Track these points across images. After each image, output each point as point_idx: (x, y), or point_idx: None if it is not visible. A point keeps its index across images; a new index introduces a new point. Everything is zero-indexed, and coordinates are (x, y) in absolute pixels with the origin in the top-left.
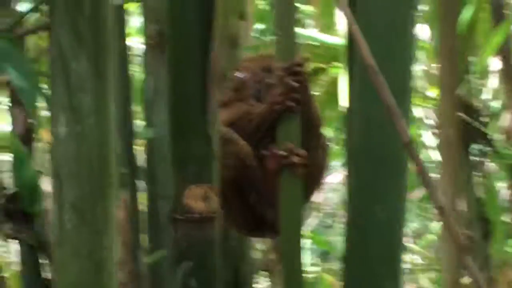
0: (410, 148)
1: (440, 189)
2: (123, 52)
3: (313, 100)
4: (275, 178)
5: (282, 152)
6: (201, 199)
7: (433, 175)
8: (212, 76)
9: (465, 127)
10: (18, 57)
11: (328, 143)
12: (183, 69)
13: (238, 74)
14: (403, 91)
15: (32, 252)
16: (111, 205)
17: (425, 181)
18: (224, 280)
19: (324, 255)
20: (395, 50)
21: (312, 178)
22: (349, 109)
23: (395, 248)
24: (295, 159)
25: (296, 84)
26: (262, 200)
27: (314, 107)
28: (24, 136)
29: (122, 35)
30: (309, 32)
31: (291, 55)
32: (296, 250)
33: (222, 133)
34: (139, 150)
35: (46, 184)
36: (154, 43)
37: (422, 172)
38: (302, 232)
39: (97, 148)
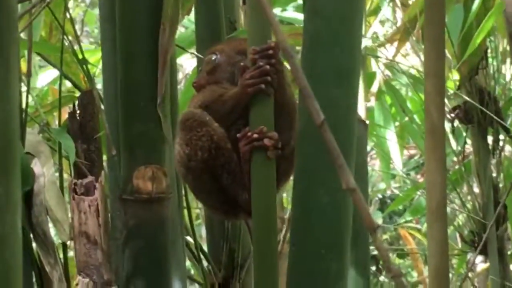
0: (323, 129)
1: (428, 176)
2: None
3: (288, 83)
4: (247, 160)
5: (254, 134)
6: (149, 179)
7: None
8: (160, 63)
9: (482, 112)
10: None
11: None
12: (132, 54)
13: (213, 57)
14: (349, 72)
15: (22, 233)
16: (14, 185)
17: (337, 162)
18: (221, 262)
19: None
20: (341, 33)
21: (286, 161)
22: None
23: (341, 231)
24: (267, 141)
25: (268, 67)
26: (235, 182)
27: (288, 90)
28: None
29: None
30: (288, 13)
31: (264, 38)
32: (268, 232)
33: (196, 115)
34: None
35: (35, 166)
36: None
37: (333, 153)
38: (274, 214)
39: (0, 132)
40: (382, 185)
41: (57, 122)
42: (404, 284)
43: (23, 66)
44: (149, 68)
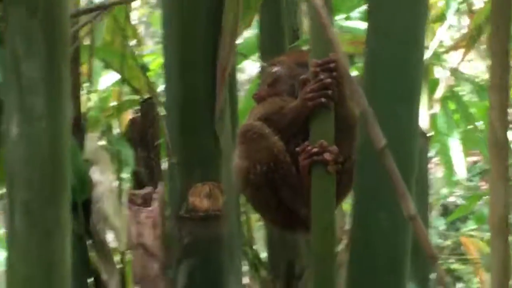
0: (384, 155)
1: (491, 192)
2: None
3: (348, 97)
4: (307, 174)
5: (314, 149)
6: (205, 197)
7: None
8: (218, 78)
9: None
10: None
11: None
12: (190, 66)
13: (273, 69)
14: (411, 92)
15: (80, 241)
16: (63, 208)
17: (398, 189)
18: (279, 273)
19: None
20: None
21: (346, 175)
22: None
23: (400, 257)
24: (327, 155)
25: (329, 81)
26: (294, 196)
27: (349, 104)
28: (74, 125)
29: None
30: (351, 23)
31: (326, 51)
32: (327, 248)
33: (256, 128)
34: None
35: (94, 173)
36: None
37: (394, 179)
38: (333, 230)
39: (49, 151)
40: (445, 191)
41: (118, 127)
42: None
43: (85, 69)
44: (207, 81)
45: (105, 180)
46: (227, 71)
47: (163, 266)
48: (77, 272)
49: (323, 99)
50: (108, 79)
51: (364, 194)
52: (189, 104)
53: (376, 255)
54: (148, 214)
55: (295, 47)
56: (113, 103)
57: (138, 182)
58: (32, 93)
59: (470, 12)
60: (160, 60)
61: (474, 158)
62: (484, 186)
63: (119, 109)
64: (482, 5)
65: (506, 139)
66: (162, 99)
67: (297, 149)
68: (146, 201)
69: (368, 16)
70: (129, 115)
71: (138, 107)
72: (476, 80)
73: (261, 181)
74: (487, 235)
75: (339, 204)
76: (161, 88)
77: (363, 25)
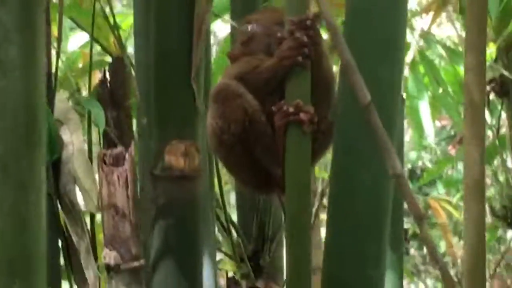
0: (369, 110)
1: (466, 153)
2: None
3: (326, 56)
4: (282, 134)
5: (290, 108)
6: (182, 155)
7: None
8: (195, 31)
9: None
10: None
11: None
12: (166, 22)
13: (248, 27)
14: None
15: (50, 202)
16: (38, 161)
17: (383, 146)
18: (251, 235)
19: None
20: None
21: (322, 136)
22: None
23: (381, 216)
24: (303, 115)
25: (306, 39)
26: (268, 157)
27: (326, 63)
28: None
29: None
30: None
31: (303, 9)
32: (302, 209)
33: (230, 87)
34: None
35: (64, 133)
36: None
37: (380, 136)
38: (308, 190)
39: (23, 103)
40: (413, 155)
41: (87, 87)
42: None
43: (54, 30)
44: (183, 37)
45: (75, 141)
46: (204, 25)
47: (135, 227)
48: (47, 234)
49: (299, 58)
50: (77, 39)
51: (344, 151)
52: (164, 61)
53: (357, 213)
54: (120, 174)
55: (269, 5)
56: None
57: (108, 142)
58: (5, 42)
59: None
60: (130, 21)
61: (443, 122)
62: (452, 150)
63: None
64: None
65: (483, 100)
66: (132, 59)
67: (273, 108)
68: (118, 161)
69: None
70: (98, 75)
71: (107, 67)
72: (447, 44)
73: (235, 141)
74: (456, 199)
75: (314, 164)
76: (131, 48)
77: None
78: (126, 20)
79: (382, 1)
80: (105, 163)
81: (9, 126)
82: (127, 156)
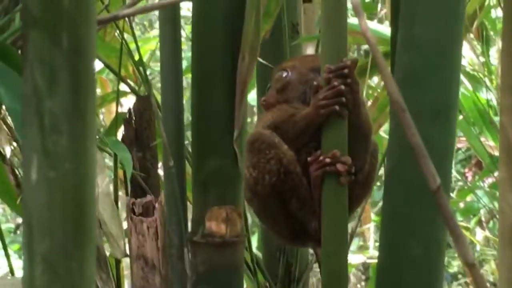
0: (438, 195)
1: (502, 199)
2: None
3: (363, 104)
4: (318, 185)
5: (326, 159)
6: (223, 221)
7: None
8: (238, 93)
9: None
10: (9, 73)
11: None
12: (208, 82)
13: (284, 74)
14: (447, 110)
15: None
16: (89, 260)
17: (453, 234)
18: (277, 276)
19: None
20: (439, 66)
21: (359, 187)
22: (390, 128)
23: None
24: (340, 166)
25: (343, 87)
26: (304, 208)
27: (364, 112)
28: None
29: None
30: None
31: (340, 56)
32: (339, 264)
33: (264, 136)
34: None
35: None
36: None
37: (449, 224)
38: (346, 244)
39: (73, 197)
40: None
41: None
42: None
43: None
44: (225, 98)
45: (101, 183)
46: (247, 86)
47: (165, 279)
48: None
49: (336, 107)
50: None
51: (393, 219)
52: (205, 122)
53: (407, 284)
54: (149, 225)
55: (296, 45)
56: (98, 90)
57: (134, 185)
58: (55, 132)
59: None
60: (151, 46)
61: (458, 145)
62: (468, 173)
63: (105, 99)
64: None
65: None
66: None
67: (309, 159)
68: (147, 210)
69: (398, 28)
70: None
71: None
72: (466, 69)
73: (269, 192)
74: (473, 223)
75: (350, 217)
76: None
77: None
78: (147, 44)
79: (435, 62)
80: (134, 212)
81: (57, 223)
82: (156, 205)
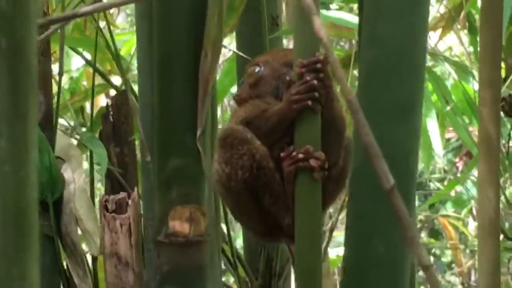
0: (392, 195)
1: (481, 191)
2: None
3: (336, 99)
4: (291, 181)
5: (299, 154)
6: (186, 221)
7: None
8: (200, 90)
9: None
10: None
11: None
12: (170, 79)
13: (256, 69)
14: (410, 106)
15: (51, 243)
16: (32, 264)
17: (408, 236)
18: (258, 270)
19: None
20: (402, 63)
21: (332, 182)
22: (353, 127)
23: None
24: (313, 162)
25: (316, 82)
26: (277, 204)
27: (337, 107)
28: (44, 120)
29: None
30: (332, 13)
31: (312, 50)
32: (313, 260)
33: (237, 132)
34: None
35: (66, 171)
36: None
37: (404, 225)
38: (319, 240)
39: (14, 201)
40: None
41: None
42: None
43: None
44: (188, 95)
45: (77, 179)
46: (209, 84)
47: (138, 276)
48: (48, 276)
49: (309, 102)
50: (80, 60)
51: (358, 219)
52: (168, 120)
53: (372, 283)
54: (123, 222)
55: (276, 38)
56: (84, 83)
57: (111, 180)
58: None
59: None
60: (132, 40)
61: (448, 135)
62: (459, 162)
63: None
64: None
65: (498, 138)
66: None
67: (282, 154)
68: (121, 207)
69: (362, 23)
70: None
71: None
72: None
73: (242, 188)
74: (464, 213)
75: (324, 212)
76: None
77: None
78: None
79: (398, 59)
80: (107, 209)
81: None
82: (130, 202)
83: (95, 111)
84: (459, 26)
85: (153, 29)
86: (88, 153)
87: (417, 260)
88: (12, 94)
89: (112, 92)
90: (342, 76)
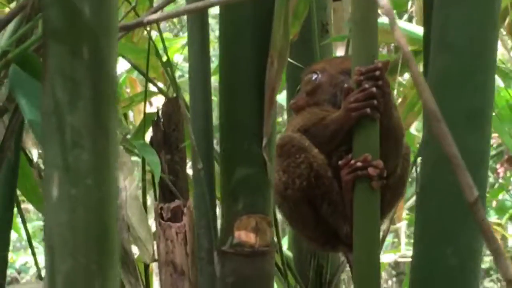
0: (475, 209)
1: None
2: None
3: (394, 107)
4: (349, 190)
5: (358, 163)
6: (252, 230)
7: None
8: (267, 99)
9: None
10: (30, 82)
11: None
12: (235, 92)
13: (313, 76)
14: (481, 115)
15: None
16: (112, 280)
17: (492, 248)
18: (308, 278)
19: None
20: (474, 70)
21: (390, 191)
22: (423, 134)
23: None
24: (372, 170)
25: (375, 90)
26: (335, 213)
27: (395, 114)
28: None
29: None
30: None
31: (371, 57)
32: (371, 269)
33: (294, 140)
34: None
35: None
36: None
37: (488, 237)
38: (378, 249)
39: (96, 215)
40: None
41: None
42: None
43: None
44: (254, 104)
45: (129, 186)
46: (275, 92)
47: (194, 285)
48: None
49: (368, 110)
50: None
51: (427, 229)
52: (233, 130)
53: None
54: (178, 230)
55: (326, 44)
56: (127, 90)
57: (163, 188)
58: (76, 147)
59: None
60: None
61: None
62: (500, 169)
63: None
64: None
65: None
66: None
67: (340, 163)
68: (175, 215)
69: (430, 30)
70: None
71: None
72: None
73: (299, 197)
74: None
75: (382, 221)
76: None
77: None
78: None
79: (470, 65)
80: (162, 218)
81: (80, 242)
82: (185, 210)
83: (138, 119)
84: (504, 32)
85: (204, 33)
86: (140, 161)
87: (502, 274)
88: (94, 107)
89: (155, 100)
90: (424, 85)
